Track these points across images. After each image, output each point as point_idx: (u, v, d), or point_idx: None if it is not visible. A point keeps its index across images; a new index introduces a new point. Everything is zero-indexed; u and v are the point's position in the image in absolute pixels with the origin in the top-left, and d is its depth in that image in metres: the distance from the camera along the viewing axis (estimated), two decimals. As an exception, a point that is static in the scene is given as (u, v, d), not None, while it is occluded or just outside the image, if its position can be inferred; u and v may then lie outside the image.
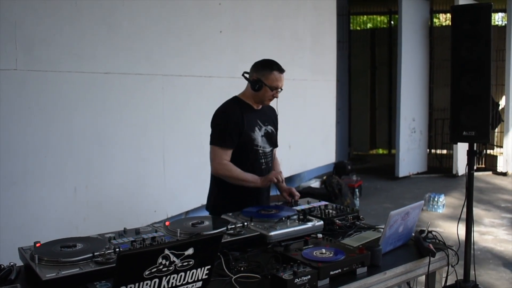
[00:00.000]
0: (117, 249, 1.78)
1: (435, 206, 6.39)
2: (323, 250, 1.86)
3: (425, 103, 9.17)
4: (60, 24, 3.32)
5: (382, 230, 2.13)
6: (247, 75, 2.71)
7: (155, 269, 1.44)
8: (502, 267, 4.35)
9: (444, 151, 9.81)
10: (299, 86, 6.32)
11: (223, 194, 2.71)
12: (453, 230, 3.04)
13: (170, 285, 1.50)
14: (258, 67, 2.68)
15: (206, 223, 2.17)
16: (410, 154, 8.80)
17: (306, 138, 6.58)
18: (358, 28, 12.39)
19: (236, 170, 2.61)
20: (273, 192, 2.85)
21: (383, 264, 1.93)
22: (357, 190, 6.86)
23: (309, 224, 2.21)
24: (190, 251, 1.50)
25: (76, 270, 1.64)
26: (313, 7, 6.74)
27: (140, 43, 3.94)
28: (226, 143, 2.62)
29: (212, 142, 2.66)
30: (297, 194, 2.71)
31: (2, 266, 1.76)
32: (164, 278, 1.48)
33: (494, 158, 9.35)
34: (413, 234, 2.23)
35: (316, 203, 2.64)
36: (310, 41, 6.64)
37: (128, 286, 1.41)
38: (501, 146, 9.20)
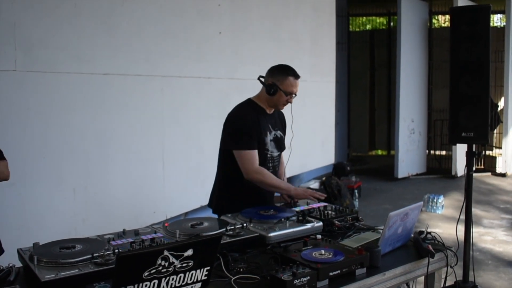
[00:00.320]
0: (116, 250, 1.78)
1: (434, 207, 6.39)
2: (322, 251, 1.86)
3: (424, 104, 9.17)
4: (59, 25, 3.31)
5: (381, 231, 2.13)
6: (262, 79, 2.69)
7: (154, 270, 1.44)
8: (501, 268, 4.35)
9: (443, 152, 9.82)
10: (298, 87, 6.31)
11: (228, 193, 2.71)
12: (452, 231, 3.04)
13: (169, 286, 1.50)
14: (274, 71, 2.68)
15: (206, 224, 2.16)
16: (409, 155, 8.80)
17: (306, 139, 6.57)
18: (357, 29, 12.40)
19: (270, 176, 2.60)
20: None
21: (382, 265, 1.93)
22: (356, 191, 6.86)
23: (308, 225, 2.20)
24: (189, 252, 1.50)
25: (75, 271, 1.64)
26: (312, 8, 6.74)
27: (139, 44, 3.94)
28: (253, 145, 2.58)
29: (239, 147, 2.57)
30: (322, 195, 2.63)
31: (1, 267, 1.75)
32: (163, 279, 1.48)
33: (493, 159, 9.36)
34: (412, 235, 2.24)
35: (315, 204, 2.64)
36: (309, 43, 6.64)
37: (127, 287, 1.41)
38: (500, 147, 9.21)
